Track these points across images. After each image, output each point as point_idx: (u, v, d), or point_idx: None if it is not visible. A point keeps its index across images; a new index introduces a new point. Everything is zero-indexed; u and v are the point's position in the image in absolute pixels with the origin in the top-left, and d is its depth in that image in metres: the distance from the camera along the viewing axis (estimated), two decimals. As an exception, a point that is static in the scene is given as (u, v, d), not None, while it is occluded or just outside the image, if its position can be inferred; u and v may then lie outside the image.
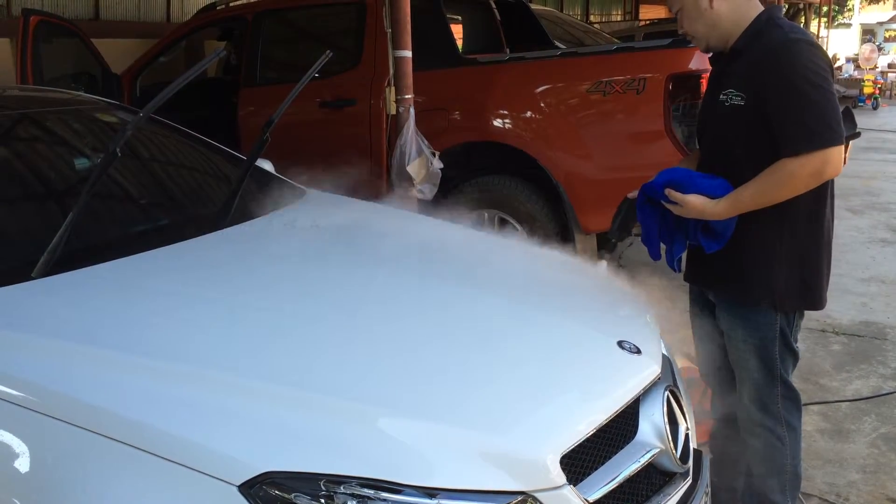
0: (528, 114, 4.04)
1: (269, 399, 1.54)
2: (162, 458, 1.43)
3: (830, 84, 2.01)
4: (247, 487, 1.40)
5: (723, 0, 2.10)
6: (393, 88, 3.99)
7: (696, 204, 2.06)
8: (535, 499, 1.53)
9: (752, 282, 2.13)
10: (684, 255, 2.28)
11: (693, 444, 1.99)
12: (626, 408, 1.81)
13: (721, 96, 2.12)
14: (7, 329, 1.73)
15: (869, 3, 30.05)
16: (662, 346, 2.17)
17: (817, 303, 2.20)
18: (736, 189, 2.05)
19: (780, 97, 1.99)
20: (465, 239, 2.67)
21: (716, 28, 2.14)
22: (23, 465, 1.52)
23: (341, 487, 1.42)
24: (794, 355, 2.22)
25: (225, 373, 1.60)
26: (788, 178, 1.99)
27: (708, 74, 2.34)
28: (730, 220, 2.07)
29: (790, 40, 2.02)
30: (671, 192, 2.10)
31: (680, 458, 1.86)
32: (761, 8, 2.14)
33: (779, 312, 2.14)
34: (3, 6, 6.16)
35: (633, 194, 2.27)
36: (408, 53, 3.89)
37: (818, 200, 2.10)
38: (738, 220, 2.08)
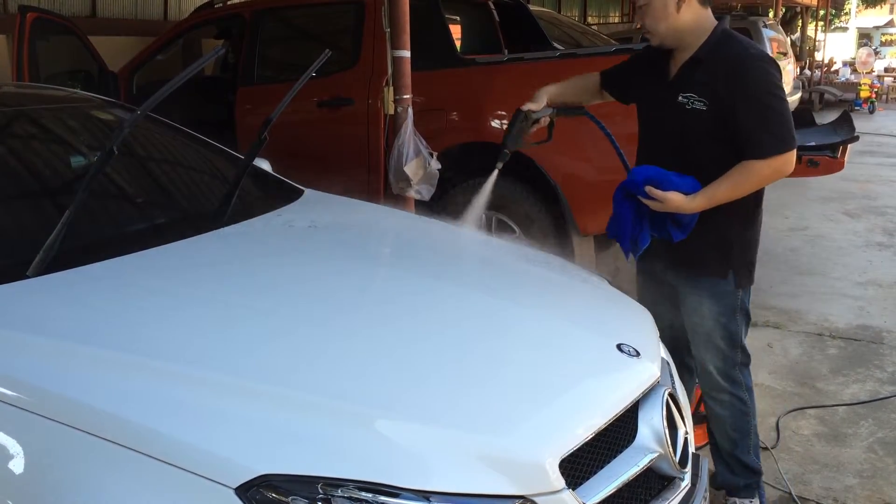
0: None
1: (266, 401, 1.53)
2: (158, 459, 1.41)
3: (785, 94, 2.30)
4: (243, 490, 1.38)
5: (688, 8, 2.30)
6: (391, 88, 3.97)
7: (675, 200, 2.29)
8: (533, 503, 1.52)
9: (716, 261, 2.41)
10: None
11: (692, 448, 1.98)
12: (625, 411, 1.80)
13: (681, 98, 2.33)
14: (1, 328, 1.71)
15: (866, 7, 30.12)
16: (662, 349, 2.16)
17: (753, 280, 2.54)
18: (708, 186, 2.29)
19: (748, 108, 2.24)
20: (461, 240, 2.66)
21: (676, 32, 2.33)
22: (17, 466, 1.50)
23: (339, 490, 1.41)
24: (748, 320, 2.52)
25: (222, 374, 1.59)
26: (756, 176, 2.28)
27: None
28: (695, 213, 2.32)
29: (753, 56, 2.28)
30: (652, 190, 2.30)
31: (679, 463, 1.85)
32: (715, 20, 2.36)
33: (736, 286, 2.44)
34: (0, 3, 6.14)
35: (527, 106, 2.55)
36: (406, 53, 3.87)
37: (758, 194, 2.41)
38: (701, 212, 2.33)
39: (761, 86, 2.25)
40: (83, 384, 1.55)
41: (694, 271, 2.44)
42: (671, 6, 2.29)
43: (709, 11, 2.35)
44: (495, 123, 4.12)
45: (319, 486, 1.41)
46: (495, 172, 2.62)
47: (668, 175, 2.31)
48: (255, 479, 1.39)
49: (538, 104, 2.57)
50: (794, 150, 2.27)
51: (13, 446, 1.52)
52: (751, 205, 2.40)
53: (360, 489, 1.41)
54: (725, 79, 2.26)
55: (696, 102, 2.30)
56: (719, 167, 2.29)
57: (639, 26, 2.38)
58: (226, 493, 1.38)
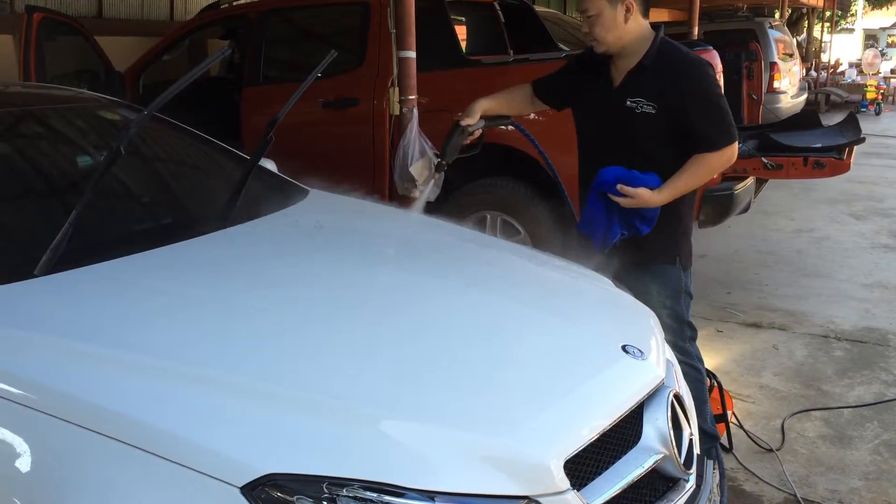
0: (532, 115, 4.03)
1: (271, 401, 1.53)
2: (164, 458, 1.42)
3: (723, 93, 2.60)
4: (249, 489, 1.39)
5: (633, 20, 2.51)
6: (396, 89, 3.97)
7: (644, 195, 2.49)
8: (538, 503, 1.52)
9: (667, 249, 2.64)
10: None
11: (697, 450, 1.98)
12: (630, 413, 1.80)
13: (629, 102, 2.52)
14: (9, 326, 1.72)
15: (872, 9, 30.03)
16: (666, 350, 2.16)
17: (692, 262, 2.78)
18: (670, 179, 2.50)
19: (698, 108, 2.48)
20: (466, 241, 2.66)
21: (622, 40, 2.52)
22: (23, 464, 1.51)
23: (343, 490, 1.41)
24: (691, 299, 2.74)
25: (228, 373, 1.59)
26: (710, 167, 2.52)
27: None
28: (658, 207, 2.53)
29: (695, 61, 2.53)
30: (624, 188, 2.49)
31: (684, 464, 1.85)
32: (653, 30, 2.56)
33: (682, 270, 2.67)
34: (7, 3, 6.16)
35: (464, 121, 2.75)
36: (412, 54, 3.87)
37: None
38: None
39: (707, 86, 2.50)
40: (90, 382, 1.56)
41: (647, 260, 2.62)
42: (620, 17, 2.48)
43: (647, 22, 2.56)
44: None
45: (324, 485, 1.41)
46: (431, 183, 2.82)
47: (634, 173, 2.50)
48: (260, 478, 1.39)
49: (473, 118, 2.76)
50: (737, 141, 2.54)
51: (20, 444, 1.53)
52: (692, 195, 2.68)
53: (365, 489, 1.42)
54: (672, 83, 2.47)
55: (646, 106, 2.49)
56: (669, 162, 2.51)
57: (586, 31, 2.57)
58: (232, 492, 1.39)
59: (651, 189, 2.49)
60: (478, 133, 2.80)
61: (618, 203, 2.51)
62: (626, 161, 2.52)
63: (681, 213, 2.63)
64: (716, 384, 3.04)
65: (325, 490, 1.40)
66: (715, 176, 2.64)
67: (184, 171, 2.90)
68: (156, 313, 1.81)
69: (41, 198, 2.43)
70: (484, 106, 2.80)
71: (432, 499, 1.44)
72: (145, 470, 1.43)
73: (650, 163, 2.52)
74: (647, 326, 2.18)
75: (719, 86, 2.53)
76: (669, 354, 2.17)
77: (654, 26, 2.59)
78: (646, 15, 2.55)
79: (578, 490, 1.59)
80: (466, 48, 5.16)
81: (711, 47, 4.16)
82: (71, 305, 1.83)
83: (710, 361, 3.69)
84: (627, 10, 2.48)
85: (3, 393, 1.56)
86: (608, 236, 2.60)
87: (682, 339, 2.65)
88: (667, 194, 2.50)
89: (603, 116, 2.61)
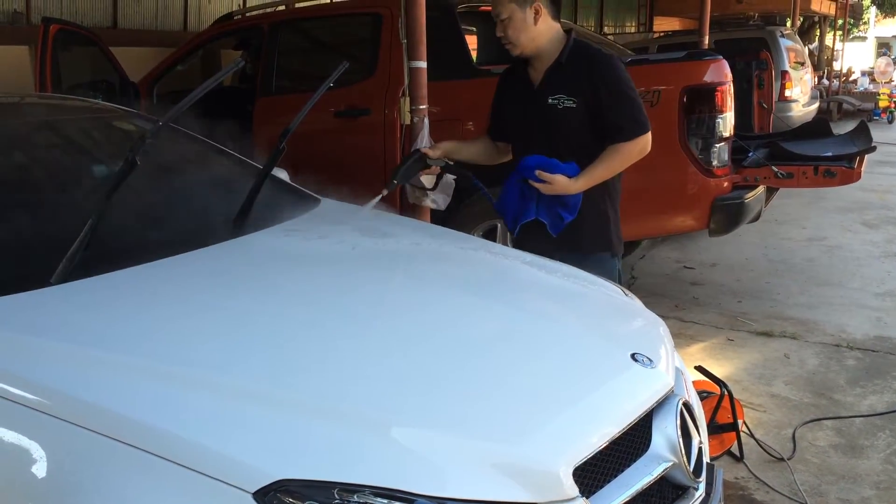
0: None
1: (283, 407, 1.55)
2: (177, 463, 1.44)
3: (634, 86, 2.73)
4: (261, 495, 1.40)
5: (543, 21, 2.69)
6: (408, 98, 4.00)
7: (561, 181, 2.66)
8: (547, 510, 1.53)
9: (599, 238, 2.80)
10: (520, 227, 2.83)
11: (706, 458, 1.98)
12: (639, 420, 1.80)
13: (551, 100, 2.69)
14: (26, 334, 1.75)
15: (884, 17, 29.91)
16: (676, 358, 2.16)
17: (623, 249, 2.95)
18: (586, 168, 2.67)
19: (613, 100, 2.65)
20: (475, 249, 2.68)
21: (534, 41, 2.71)
22: (39, 469, 1.53)
23: (354, 496, 1.42)
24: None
25: (240, 379, 1.61)
26: (625, 156, 2.69)
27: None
28: (579, 195, 2.69)
29: (608, 56, 2.72)
30: (541, 174, 2.66)
31: (693, 472, 1.85)
32: (565, 32, 2.75)
33: (614, 257, 2.84)
34: (23, 14, 6.23)
35: (425, 150, 2.95)
36: (423, 64, 3.89)
37: (620, 175, 2.80)
38: (584, 198, 2.70)
39: (622, 80, 2.67)
40: (104, 389, 1.58)
41: (582, 249, 2.75)
42: (529, 19, 2.67)
43: (559, 26, 2.75)
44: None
45: (335, 491, 1.42)
46: (377, 199, 2.82)
47: (553, 161, 2.68)
48: (272, 483, 1.41)
49: (435, 152, 2.96)
50: (650, 132, 2.69)
51: (36, 450, 1.55)
52: (617, 184, 2.82)
53: (376, 495, 1.43)
54: (588, 77, 2.65)
55: (567, 101, 2.67)
56: (591, 153, 2.69)
57: (500, 34, 2.74)
58: (244, 498, 1.40)
59: (569, 177, 2.65)
60: (435, 169, 2.95)
61: (538, 190, 2.68)
62: (551, 154, 2.69)
63: (605, 205, 2.78)
64: (726, 393, 3.04)
65: (337, 496, 1.42)
66: (627, 165, 2.74)
67: (197, 181, 2.93)
68: (169, 320, 1.84)
69: (57, 207, 2.46)
70: (448, 146, 3.01)
71: (442, 505, 1.45)
72: (159, 475, 1.45)
73: (574, 155, 2.69)
74: (656, 334, 2.18)
75: (630, 78, 2.70)
76: (678, 362, 2.17)
77: (566, 31, 2.78)
78: (556, 18, 2.74)
79: (587, 498, 1.60)
80: (477, 58, 5.18)
81: (721, 57, 4.17)
82: (86, 313, 1.86)
83: (720, 370, 3.70)
84: (536, 13, 2.67)
85: (19, 398, 1.58)
86: (520, 218, 2.78)
87: None
88: (582, 182, 2.67)
89: (528, 116, 2.78)
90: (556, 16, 2.75)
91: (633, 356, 1.93)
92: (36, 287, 1.90)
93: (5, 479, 1.55)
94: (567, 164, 2.68)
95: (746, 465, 3.06)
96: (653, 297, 4.80)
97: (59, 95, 4.23)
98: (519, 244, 2.84)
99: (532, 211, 2.75)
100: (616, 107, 2.65)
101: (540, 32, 2.70)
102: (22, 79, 5.46)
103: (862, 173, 4.68)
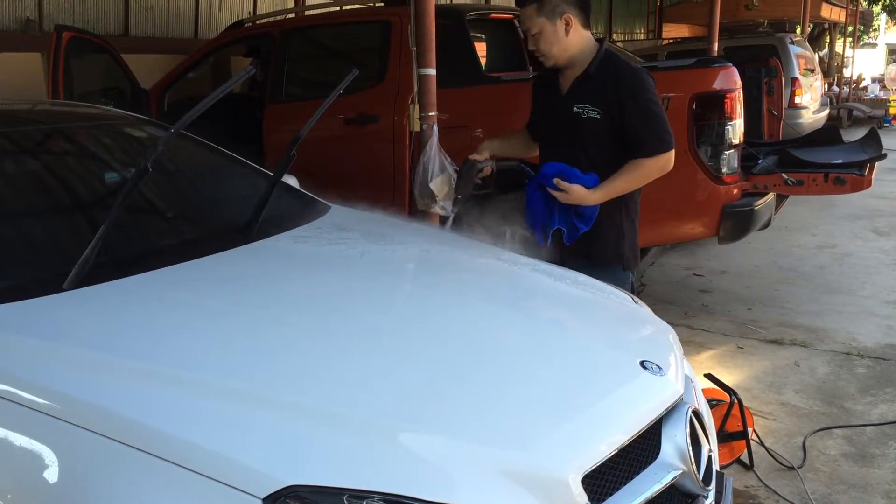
0: None
1: (293, 413, 1.55)
2: (187, 468, 1.44)
3: (660, 102, 2.75)
4: (271, 501, 1.40)
5: (574, 33, 2.70)
6: (417, 106, 4.01)
7: (578, 192, 2.66)
8: (556, 518, 1.52)
9: (612, 250, 2.80)
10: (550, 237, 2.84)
11: (716, 466, 1.98)
12: (649, 428, 1.80)
13: (576, 109, 2.71)
14: (39, 339, 1.76)
15: (895, 24, 29.81)
16: (685, 366, 2.16)
17: (639, 263, 2.97)
18: (605, 181, 2.68)
19: (638, 115, 2.64)
20: (485, 256, 2.68)
21: (566, 52, 2.72)
22: (51, 474, 1.54)
23: (364, 502, 1.43)
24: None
25: (250, 385, 1.62)
26: (645, 172, 2.69)
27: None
28: (595, 207, 2.69)
29: (636, 70, 2.71)
30: (559, 182, 2.66)
31: (702, 480, 1.85)
32: (597, 42, 2.76)
33: (627, 270, 2.84)
34: (35, 22, 6.28)
35: (473, 157, 2.90)
36: (432, 71, 3.91)
37: (640, 190, 2.81)
38: (601, 210, 2.70)
39: (647, 95, 2.66)
40: (115, 394, 1.59)
41: (594, 259, 2.76)
42: (560, 31, 2.68)
43: (590, 34, 2.75)
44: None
45: (345, 497, 1.42)
46: (449, 221, 2.90)
47: (574, 171, 2.68)
48: (282, 489, 1.41)
49: (481, 154, 2.93)
50: (673, 150, 2.69)
51: (47, 454, 1.56)
52: (636, 200, 2.83)
53: (385, 501, 1.43)
54: (614, 89, 2.64)
55: (591, 111, 2.68)
56: (612, 166, 2.68)
57: (533, 49, 2.76)
58: (254, 503, 1.41)
59: (588, 188, 2.65)
60: (487, 170, 2.94)
61: (556, 198, 2.68)
62: (572, 163, 2.70)
63: (621, 219, 2.79)
64: (736, 401, 3.03)
65: (346, 502, 1.42)
66: (647, 182, 2.73)
67: (207, 188, 2.95)
68: (180, 326, 1.85)
69: (70, 214, 2.48)
70: (492, 145, 3.00)
71: (451, 512, 1.45)
72: (168, 480, 1.45)
73: (594, 165, 2.69)
74: (665, 342, 2.18)
75: (657, 94, 2.70)
76: (688, 370, 2.17)
77: (598, 40, 2.77)
78: (586, 26, 2.73)
79: (597, 505, 1.59)
80: (486, 65, 5.19)
81: (730, 64, 4.17)
82: (98, 318, 1.87)
83: (730, 378, 3.68)
84: (567, 24, 2.68)
85: (32, 403, 1.59)
86: (548, 229, 2.77)
87: None
88: (600, 194, 2.67)
89: (555, 123, 2.81)
90: (587, 23, 2.74)
91: (642, 364, 1.93)
92: (48, 293, 1.91)
93: (17, 484, 1.56)
94: (587, 175, 2.68)
95: (756, 474, 3.05)
96: (662, 304, 4.79)
97: (71, 103, 4.26)
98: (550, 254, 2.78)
99: (556, 218, 2.74)
100: (641, 122, 2.65)
101: (571, 43, 2.70)
102: (34, 86, 5.50)
103: (872, 180, 4.66)
